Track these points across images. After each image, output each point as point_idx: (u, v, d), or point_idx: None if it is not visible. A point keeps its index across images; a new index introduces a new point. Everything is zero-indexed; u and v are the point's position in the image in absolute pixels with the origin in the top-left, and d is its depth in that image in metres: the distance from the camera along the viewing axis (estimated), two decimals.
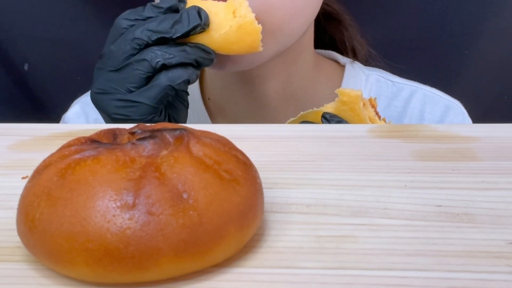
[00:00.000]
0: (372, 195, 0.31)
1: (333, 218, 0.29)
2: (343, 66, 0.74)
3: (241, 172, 0.26)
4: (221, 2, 0.51)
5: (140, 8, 0.52)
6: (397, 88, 0.73)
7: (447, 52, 0.89)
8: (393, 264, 0.25)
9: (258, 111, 0.68)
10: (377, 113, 0.53)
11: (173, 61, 0.49)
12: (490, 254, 0.26)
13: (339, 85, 0.72)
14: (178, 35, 0.49)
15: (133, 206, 0.23)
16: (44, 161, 0.27)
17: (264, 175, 0.29)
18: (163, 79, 0.49)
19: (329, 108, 0.52)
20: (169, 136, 0.26)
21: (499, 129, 0.40)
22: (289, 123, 0.55)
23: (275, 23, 0.55)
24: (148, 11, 0.51)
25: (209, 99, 0.73)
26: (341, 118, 0.50)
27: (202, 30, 0.50)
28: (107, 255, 0.22)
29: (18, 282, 0.25)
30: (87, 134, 0.28)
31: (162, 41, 0.49)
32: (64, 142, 0.28)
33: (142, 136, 0.27)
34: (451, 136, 0.39)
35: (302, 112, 0.54)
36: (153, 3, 0.51)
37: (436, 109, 0.71)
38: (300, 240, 0.27)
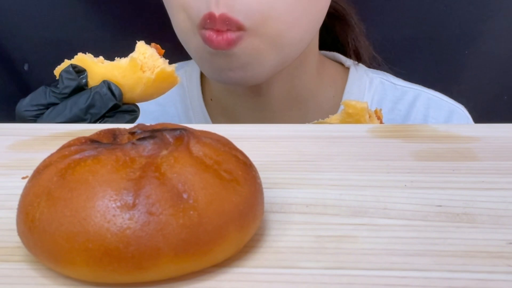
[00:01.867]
0: (372, 195, 0.31)
1: (333, 218, 0.29)
2: (347, 69, 0.73)
3: (241, 172, 0.26)
4: (123, 63, 0.49)
5: (39, 93, 0.49)
6: (401, 91, 0.72)
7: (447, 52, 0.89)
8: (393, 264, 0.25)
9: (261, 113, 0.68)
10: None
11: None
12: (490, 254, 0.26)
13: (343, 88, 0.72)
14: (96, 119, 0.48)
15: (133, 206, 0.23)
16: (44, 161, 0.27)
17: (264, 175, 0.29)
18: None
19: (334, 119, 0.52)
20: (169, 136, 0.26)
21: (499, 129, 0.40)
22: None
23: (274, 33, 0.55)
24: (50, 97, 0.48)
25: (211, 100, 0.73)
26: None
27: (118, 106, 0.49)
28: (107, 255, 0.22)
29: (18, 282, 0.24)
30: (87, 134, 0.28)
31: None
32: (64, 142, 0.28)
33: (142, 136, 0.27)
34: (451, 136, 0.39)
35: (307, 124, 0.54)
36: (51, 87, 0.49)
37: (440, 113, 0.71)
38: (300, 240, 0.27)
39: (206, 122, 0.72)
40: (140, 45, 0.50)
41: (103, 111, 0.48)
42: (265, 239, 0.27)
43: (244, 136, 0.40)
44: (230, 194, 0.25)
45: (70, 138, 0.28)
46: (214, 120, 0.72)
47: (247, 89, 0.67)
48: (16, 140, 0.40)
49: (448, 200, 0.30)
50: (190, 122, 0.73)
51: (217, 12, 0.52)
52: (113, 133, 0.28)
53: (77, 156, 0.25)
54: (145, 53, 0.49)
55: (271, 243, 0.27)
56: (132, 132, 0.28)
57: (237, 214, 0.25)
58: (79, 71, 0.50)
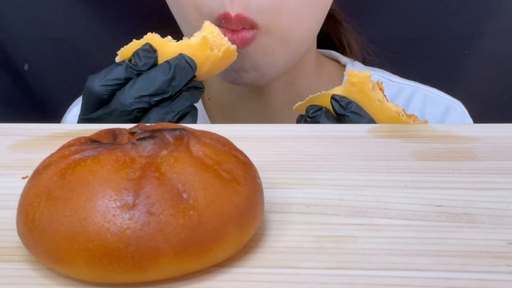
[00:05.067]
0: (372, 195, 0.31)
1: (333, 218, 0.29)
2: (344, 66, 0.74)
3: (241, 172, 0.26)
4: (193, 42, 0.50)
5: (113, 68, 0.49)
6: (398, 88, 0.73)
7: (447, 52, 0.89)
8: (393, 264, 0.25)
9: (260, 112, 0.68)
10: (384, 96, 0.52)
11: (178, 116, 0.49)
12: (490, 254, 0.26)
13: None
14: (175, 91, 0.48)
15: (133, 206, 0.23)
16: (44, 161, 0.27)
17: (264, 175, 0.29)
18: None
19: (337, 91, 0.51)
20: (169, 136, 0.26)
21: (499, 129, 0.40)
22: (297, 107, 0.55)
23: (284, 29, 0.56)
24: (128, 72, 0.48)
25: (209, 99, 0.73)
26: (351, 100, 0.50)
27: (194, 77, 0.50)
28: (107, 255, 0.22)
29: (18, 282, 0.25)
30: (87, 134, 0.28)
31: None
32: (64, 142, 0.28)
33: (142, 136, 0.27)
34: (451, 136, 0.39)
35: (310, 96, 0.53)
36: (128, 63, 0.49)
37: (437, 109, 0.71)
38: (300, 240, 0.27)
39: (205, 122, 0.72)
40: (208, 25, 0.51)
41: (183, 83, 0.48)
42: (265, 239, 0.27)
43: (244, 136, 0.40)
44: (230, 194, 0.25)
45: (70, 138, 0.28)
46: (213, 119, 0.72)
47: (246, 87, 0.67)
48: (16, 140, 0.40)
49: (448, 200, 0.30)
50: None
51: (232, 12, 0.53)
52: (113, 133, 0.28)
53: (77, 156, 0.25)
54: (213, 32, 0.50)
55: (271, 243, 0.27)
56: (132, 132, 0.28)
57: (237, 214, 0.25)
58: (153, 50, 0.50)
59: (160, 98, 0.48)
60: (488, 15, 0.87)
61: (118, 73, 0.48)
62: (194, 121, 0.50)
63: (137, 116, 0.47)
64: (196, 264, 0.24)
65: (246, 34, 0.54)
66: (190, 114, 0.50)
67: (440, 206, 0.30)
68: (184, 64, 0.49)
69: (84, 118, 0.49)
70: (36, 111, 0.93)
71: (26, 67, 0.91)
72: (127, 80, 0.48)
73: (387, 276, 0.24)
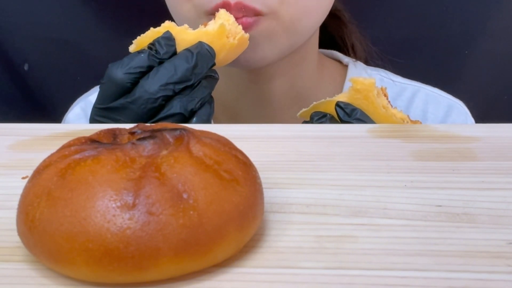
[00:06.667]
0: (372, 195, 0.31)
1: (333, 218, 0.29)
2: (345, 66, 0.74)
3: (241, 172, 0.26)
4: (210, 29, 0.50)
5: (134, 56, 0.49)
6: (400, 88, 0.73)
7: (447, 52, 0.90)
8: (393, 264, 0.25)
9: (262, 110, 0.69)
10: (389, 102, 0.52)
11: (199, 104, 0.49)
12: (490, 254, 0.26)
13: (342, 85, 0.72)
14: (197, 79, 0.49)
15: (133, 206, 0.23)
16: (44, 161, 0.27)
17: (264, 175, 0.29)
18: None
19: (342, 97, 0.51)
20: (169, 136, 0.26)
21: (499, 129, 0.40)
22: (301, 113, 0.55)
23: (289, 18, 0.56)
24: (151, 60, 0.48)
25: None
26: (355, 107, 0.50)
27: (214, 65, 0.50)
28: (107, 255, 0.22)
29: (18, 282, 0.25)
30: (87, 134, 0.28)
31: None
32: (64, 142, 0.28)
33: (142, 136, 0.27)
34: (451, 136, 0.39)
35: (315, 102, 0.53)
36: (150, 51, 0.49)
37: (439, 109, 0.71)
38: (300, 240, 0.27)
39: None
40: (224, 13, 0.52)
41: (204, 71, 0.49)
42: (265, 239, 0.27)
43: (244, 136, 0.40)
44: (230, 194, 0.25)
45: (70, 138, 0.28)
46: (214, 117, 0.72)
47: (249, 86, 0.67)
48: (16, 140, 0.40)
49: (448, 200, 0.30)
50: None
51: (232, 0, 0.53)
52: (113, 133, 0.28)
53: (77, 156, 0.25)
54: (229, 20, 0.51)
55: (271, 243, 0.27)
56: (132, 132, 0.28)
57: (237, 214, 0.25)
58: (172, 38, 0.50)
59: (184, 86, 0.48)
60: (488, 15, 0.88)
61: (141, 61, 0.48)
62: (212, 109, 0.51)
63: (161, 104, 0.47)
64: (196, 264, 0.24)
65: (248, 19, 0.54)
66: (208, 102, 0.50)
67: (440, 206, 0.30)
68: (205, 52, 0.49)
69: (101, 107, 0.49)
70: (36, 111, 0.93)
71: (26, 67, 0.91)
72: (149, 68, 0.48)
73: (387, 276, 0.24)
